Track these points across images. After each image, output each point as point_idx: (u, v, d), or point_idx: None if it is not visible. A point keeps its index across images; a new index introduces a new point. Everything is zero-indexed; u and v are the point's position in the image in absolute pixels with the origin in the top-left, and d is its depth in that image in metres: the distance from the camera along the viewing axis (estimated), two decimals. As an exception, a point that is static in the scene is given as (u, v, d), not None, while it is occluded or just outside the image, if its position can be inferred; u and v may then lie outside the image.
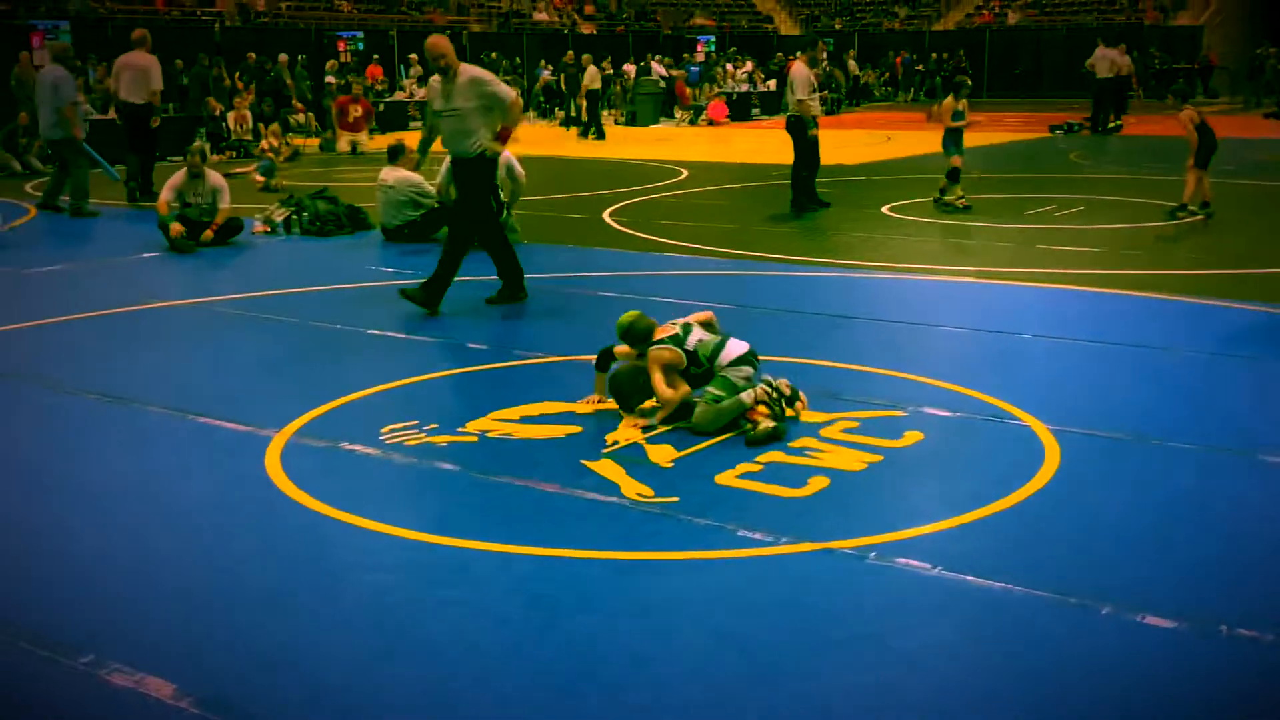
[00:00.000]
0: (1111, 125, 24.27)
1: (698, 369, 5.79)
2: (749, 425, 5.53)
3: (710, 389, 5.68)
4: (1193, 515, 4.58)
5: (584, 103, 25.93)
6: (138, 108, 14.39)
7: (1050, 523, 4.52)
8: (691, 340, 5.82)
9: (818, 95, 13.73)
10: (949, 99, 13.60)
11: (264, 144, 19.95)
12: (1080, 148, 21.24)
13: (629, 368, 5.93)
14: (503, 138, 8.21)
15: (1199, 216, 12.22)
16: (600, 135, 25.43)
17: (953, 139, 13.40)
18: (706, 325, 6.03)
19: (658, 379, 5.72)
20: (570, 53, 29.85)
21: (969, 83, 14.08)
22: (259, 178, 15.84)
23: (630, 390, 5.87)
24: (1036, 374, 6.65)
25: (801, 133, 13.42)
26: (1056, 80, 37.96)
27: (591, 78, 25.68)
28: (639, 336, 5.87)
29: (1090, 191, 14.73)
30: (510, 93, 8.27)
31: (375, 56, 31.45)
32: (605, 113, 32.01)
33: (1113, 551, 4.26)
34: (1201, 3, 40.91)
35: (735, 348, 5.83)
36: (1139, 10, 41.08)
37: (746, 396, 5.60)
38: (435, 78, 8.34)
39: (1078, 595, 3.87)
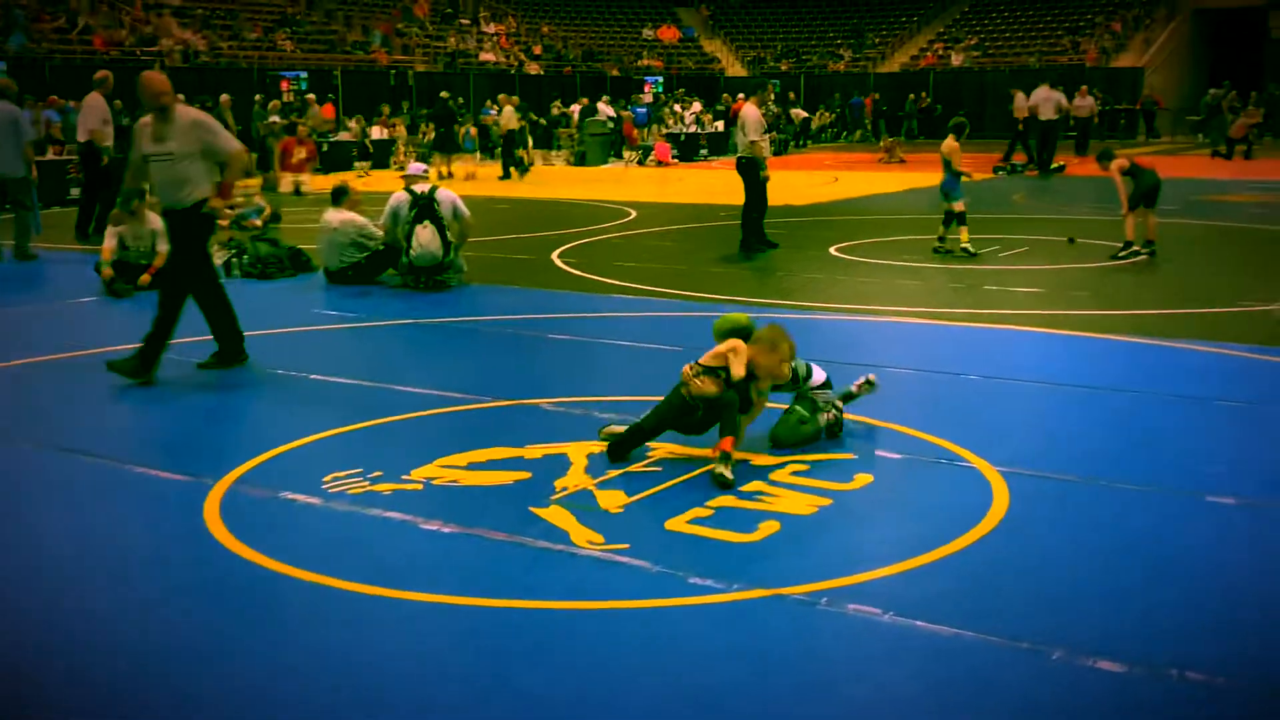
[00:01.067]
0: (1055, 166, 24.69)
1: (793, 386, 6.21)
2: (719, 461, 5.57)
3: (797, 408, 6.15)
4: (1141, 558, 4.62)
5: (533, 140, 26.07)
6: (81, 146, 15.15)
7: (1000, 566, 4.55)
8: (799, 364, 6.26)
9: (767, 137, 13.81)
10: (950, 140, 13.20)
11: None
12: (1024, 189, 21.57)
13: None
14: (224, 193, 7.76)
15: (1143, 256, 12.45)
16: (518, 173, 25.51)
17: (956, 182, 13.03)
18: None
19: (741, 361, 5.85)
20: (516, 96, 29.94)
21: (968, 124, 13.83)
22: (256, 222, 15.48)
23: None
24: (984, 415, 6.71)
25: (753, 174, 13.51)
26: (999, 122, 38.63)
27: (508, 119, 25.75)
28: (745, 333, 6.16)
29: (1034, 232, 14.95)
30: (236, 145, 7.89)
31: (330, 97, 31.43)
32: (554, 153, 32.17)
33: (1063, 595, 4.28)
34: (1142, 45, 41.90)
35: (819, 374, 6.31)
36: (1081, 52, 41.97)
37: (822, 419, 6.14)
38: (146, 117, 7.82)
39: (1029, 640, 3.89)
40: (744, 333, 6.09)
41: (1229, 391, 7.11)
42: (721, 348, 5.93)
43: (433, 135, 29.59)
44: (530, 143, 30.01)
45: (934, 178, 14.15)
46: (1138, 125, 38.33)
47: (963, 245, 12.80)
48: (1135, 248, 12.55)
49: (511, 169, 25.70)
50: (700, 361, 5.96)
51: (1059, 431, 6.39)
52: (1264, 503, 5.17)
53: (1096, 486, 5.42)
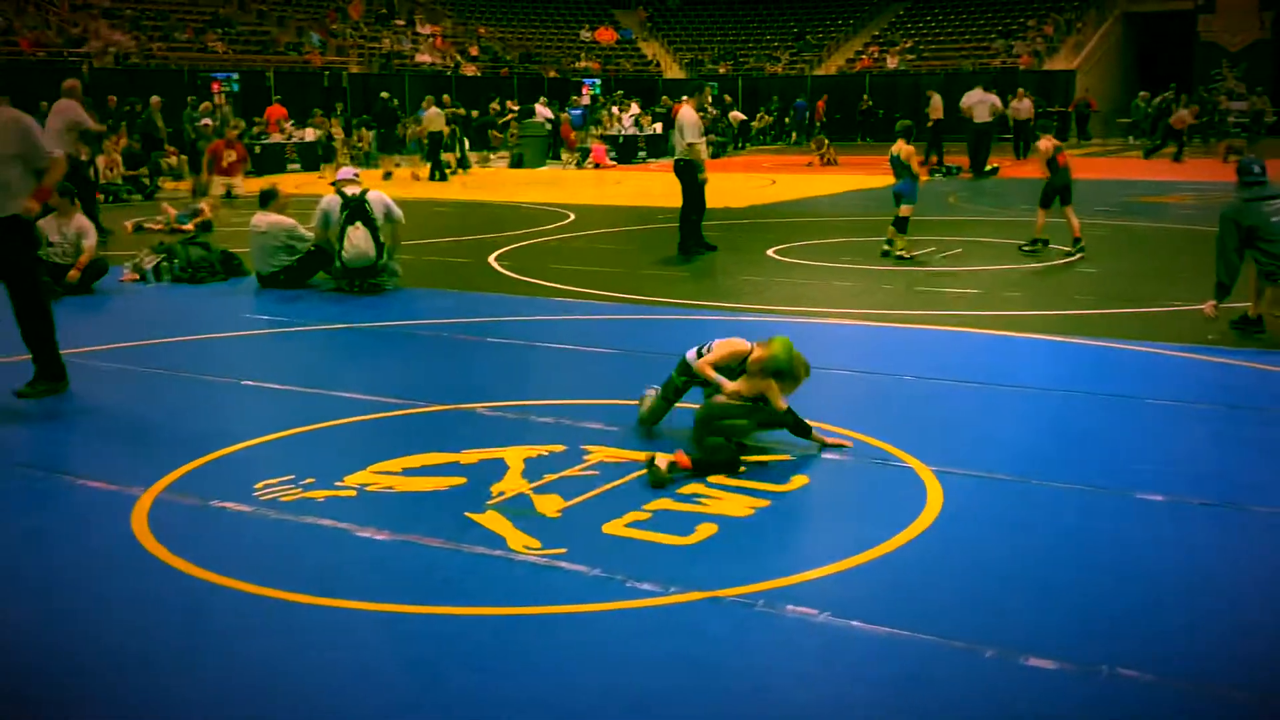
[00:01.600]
0: (989, 169, 24.98)
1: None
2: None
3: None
4: (1073, 555, 4.69)
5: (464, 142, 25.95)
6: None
7: (934, 565, 4.59)
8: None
9: (705, 139, 13.84)
10: (902, 143, 13.07)
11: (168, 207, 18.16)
12: (958, 190, 21.82)
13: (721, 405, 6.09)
14: (40, 196, 7.31)
15: (1077, 255, 12.67)
16: (442, 177, 25.43)
17: (913, 185, 12.97)
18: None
19: (778, 395, 6.11)
20: (447, 96, 29.80)
21: (915, 127, 13.86)
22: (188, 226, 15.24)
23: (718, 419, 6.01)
24: (919, 415, 6.78)
25: (691, 176, 13.54)
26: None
27: (431, 119, 25.61)
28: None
29: (969, 233, 15.13)
30: (57, 150, 7.49)
31: (277, 98, 31.09)
32: (492, 155, 32.07)
33: (996, 593, 4.34)
34: (1074, 48, 42.55)
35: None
36: (1014, 55, 42.54)
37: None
38: None
39: (963, 638, 3.93)
40: (784, 373, 6.15)
41: (1159, 390, 7.24)
42: (759, 385, 6.08)
43: (369, 138, 29.39)
44: (468, 144, 29.90)
45: (872, 180, 14.25)
46: (1070, 127, 38.89)
47: (897, 252, 12.89)
48: (1043, 241, 13.04)
49: (441, 170, 25.60)
50: (740, 392, 6.11)
51: (993, 431, 6.47)
52: (1191, 500, 5.27)
53: (1029, 485, 5.49)
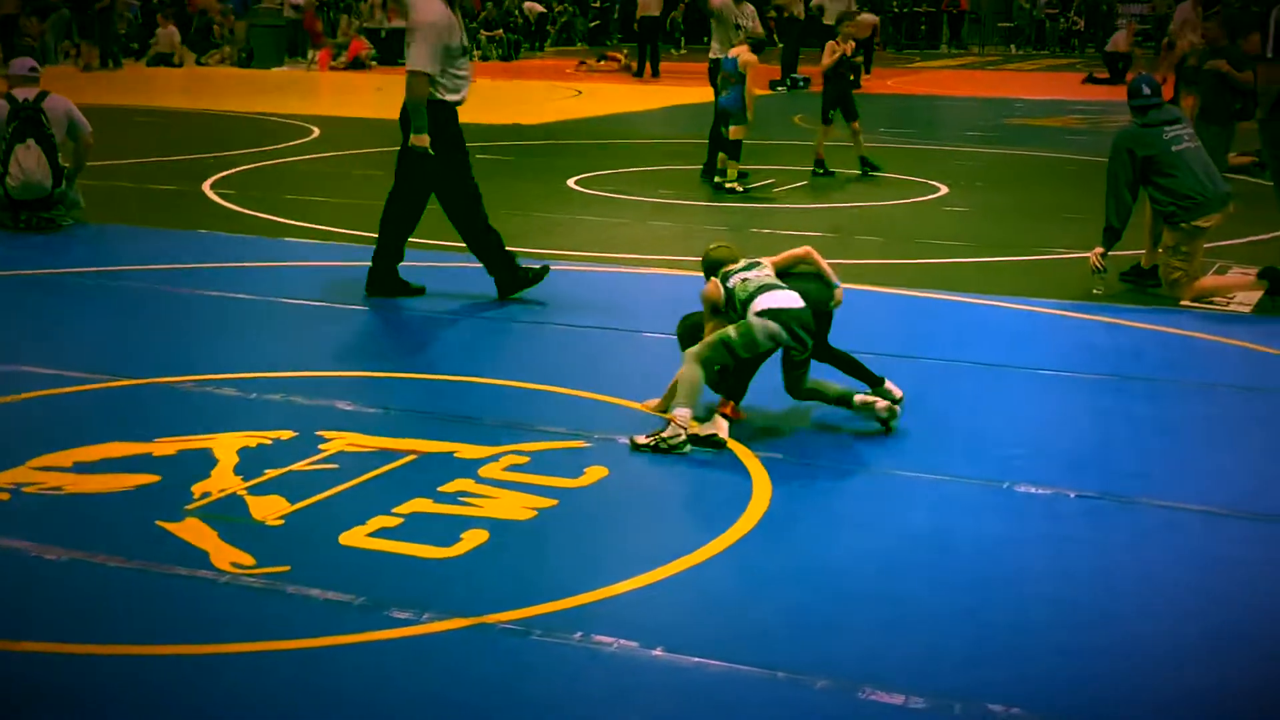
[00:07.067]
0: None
1: (733, 313, 6.12)
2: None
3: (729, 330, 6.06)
4: (929, 563, 4.80)
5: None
6: None
7: (757, 577, 4.66)
8: (735, 280, 6.15)
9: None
10: (740, 46, 13.07)
11: None
12: (806, 109, 22.19)
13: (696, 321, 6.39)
14: None
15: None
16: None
17: (742, 100, 12.85)
18: (784, 266, 6.38)
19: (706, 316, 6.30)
20: None
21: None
22: None
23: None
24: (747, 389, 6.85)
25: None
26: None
27: None
28: (710, 266, 6.37)
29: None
30: None
31: None
32: (215, 54, 31.25)
33: (831, 611, 4.41)
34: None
35: (775, 299, 6.02)
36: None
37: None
38: None
39: (787, 668, 3.98)
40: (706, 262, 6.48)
41: (1035, 357, 7.50)
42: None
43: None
44: (173, 37, 29.09)
45: (698, 93, 14.37)
46: (941, 33, 39.99)
47: (728, 185, 12.99)
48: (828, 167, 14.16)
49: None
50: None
51: (833, 409, 6.57)
52: (1068, 491, 5.46)
53: (876, 476, 5.62)
